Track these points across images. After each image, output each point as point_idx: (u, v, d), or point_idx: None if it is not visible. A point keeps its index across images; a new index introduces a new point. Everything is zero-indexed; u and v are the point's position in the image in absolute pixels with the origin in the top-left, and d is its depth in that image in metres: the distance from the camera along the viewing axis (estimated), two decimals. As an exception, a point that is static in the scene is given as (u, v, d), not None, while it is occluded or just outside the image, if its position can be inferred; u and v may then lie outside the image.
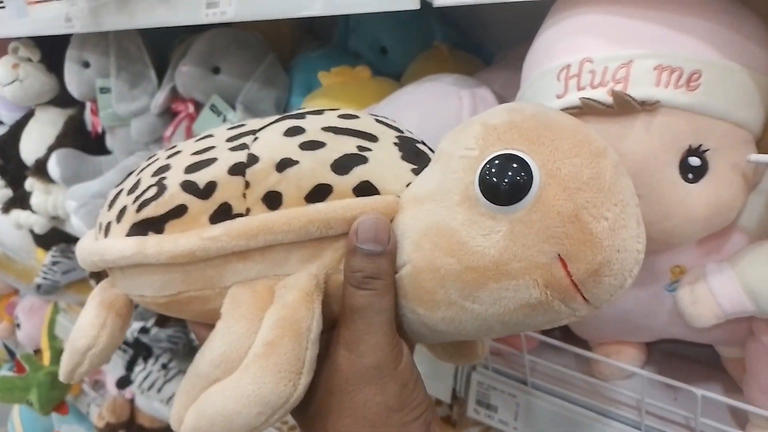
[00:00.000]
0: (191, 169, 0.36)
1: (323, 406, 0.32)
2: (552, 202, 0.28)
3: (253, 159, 0.35)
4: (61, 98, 1.16)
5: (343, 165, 0.33)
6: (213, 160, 0.36)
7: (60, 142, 1.11)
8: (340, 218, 0.32)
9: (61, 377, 0.41)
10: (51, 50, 1.11)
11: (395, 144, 0.36)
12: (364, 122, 0.38)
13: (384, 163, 0.34)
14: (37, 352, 1.71)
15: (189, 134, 0.91)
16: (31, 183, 1.14)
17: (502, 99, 0.58)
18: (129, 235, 0.36)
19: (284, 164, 0.34)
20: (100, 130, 1.08)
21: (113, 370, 1.32)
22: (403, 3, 0.47)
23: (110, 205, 0.40)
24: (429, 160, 0.36)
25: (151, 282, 0.36)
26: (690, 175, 0.40)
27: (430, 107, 0.56)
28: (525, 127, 0.30)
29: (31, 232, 1.28)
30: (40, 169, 1.10)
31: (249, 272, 0.34)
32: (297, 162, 0.34)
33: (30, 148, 1.17)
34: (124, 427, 1.34)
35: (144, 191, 0.37)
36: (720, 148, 0.40)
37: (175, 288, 0.35)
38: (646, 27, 0.39)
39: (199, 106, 0.91)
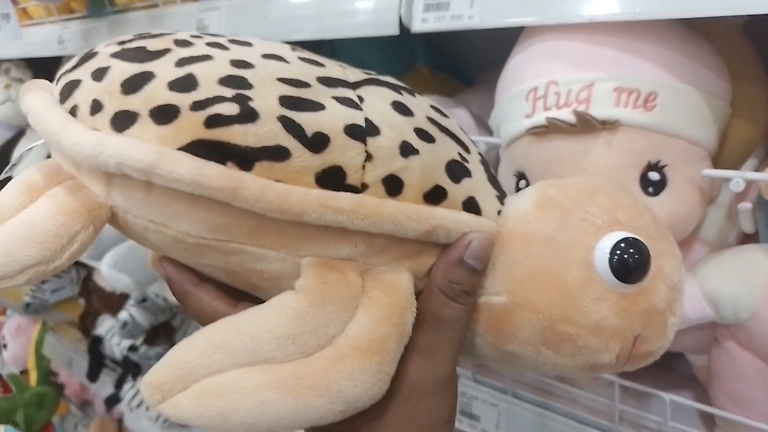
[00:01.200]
0: (290, 103, 0.29)
1: (379, 409, 0.30)
2: (655, 292, 0.32)
3: (373, 128, 0.30)
4: (53, 118, 1.18)
5: (454, 172, 0.32)
6: (319, 106, 0.30)
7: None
8: (460, 231, 0.31)
9: None
10: (42, 71, 1.13)
11: (480, 162, 0.35)
12: (455, 125, 0.36)
13: (481, 182, 0.34)
14: (24, 372, 1.70)
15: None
16: (21, 202, 1.15)
17: (478, 119, 0.61)
18: (188, 150, 0.27)
19: (407, 149, 0.30)
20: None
21: (102, 389, 1.32)
22: (384, 29, 0.50)
23: (125, 84, 0.29)
24: (500, 187, 0.36)
25: (200, 217, 0.29)
26: (650, 189, 0.43)
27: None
28: (646, 221, 0.33)
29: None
30: (30, 188, 1.11)
31: (340, 251, 0.30)
32: (417, 152, 0.31)
33: (20, 167, 1.18)
34: (112, 447, 1.33)
35: (212, 100, 0.28)
36: (677, 164, 0.43)
37: (229, 234, 0.29)
38: (606, 52, 0.43)
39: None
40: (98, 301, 1.22)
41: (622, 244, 0.31)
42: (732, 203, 0.49)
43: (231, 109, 0.28)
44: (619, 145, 0.42)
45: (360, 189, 0.29)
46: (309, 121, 0.29)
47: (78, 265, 1.38)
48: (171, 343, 1.22)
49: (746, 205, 0.45)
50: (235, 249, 0.30)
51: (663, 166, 0.43)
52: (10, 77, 1.13)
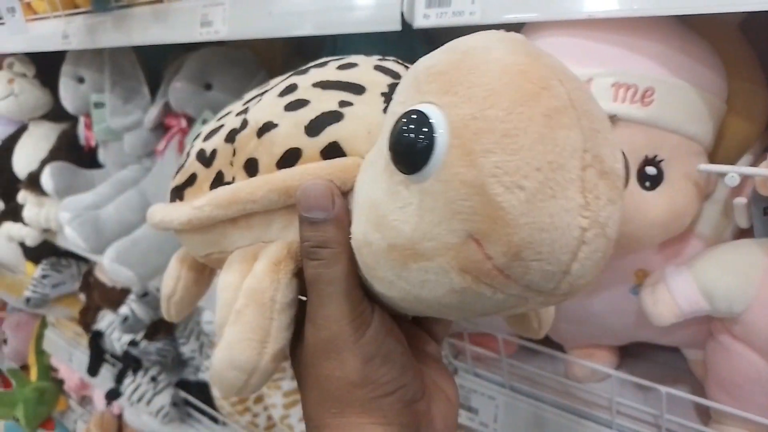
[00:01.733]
0: (208, 136, 0.38)
1: (300, 378, 0.33)
2: (455, 168, 0.22)
3: (243, 124, 0.35)
4: (55, 113, 1.19)
5: (316, 125, 0.32)
6: (221, 127, 0.37)
7: (53, 155, 1.13)
8: (299, 185, 0.30)
9: (165, 316, 0.47)
10: (45, 66, 1.14)
11: (383, 94, 0.33)
12: (360, 71, 0.35)
13: (360, 119, 0.31)
14: (24, 367, 1.71)
15: (181, 148, 0.94)
16: (23, 196, 1.15)
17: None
18: (170, 200, 0.40)
19: (265, 128, 0.33)
20: (93, 144, 1.10)
21: (102, 384, 1.33)
22: (386, 25, 0.51)
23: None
24: None
25: (188, 243, 0.39)
26: (647, 183, 0.44)
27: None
28: (445, 71, 0.24)
29: (21, 245, 1.29)
30: (33, 182, 1.12)
31: (244, 239, 0.34)
32: (276, 125, 0.33)
33: (23, 161, 1.19)
34: (112, 442, 1.34)
35: (184, 160, 0.40)
36: (673, 159, 0.44)
37: (204, 249, 0.37)
38: (605, 48, 0.43)
39: (191, 121, 0.94)
40: (99, 296, 1.23)
41: (397, 126, 0.24)
42: (727, 199, 0.50)
43: (183, 158, 0.40)
44: (617, 140, 0.43)
45: (232, 182, 0.34)
46: (209, 144, 0.37)
47: (79, 260, 1.38)
48: (171, 337, 1.23)
49: (741, 200, 0.46)
50: (217, 259, 0.37)
51: (660, 161, 0.43)
52: (14, 72, 1.14)
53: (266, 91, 0.37)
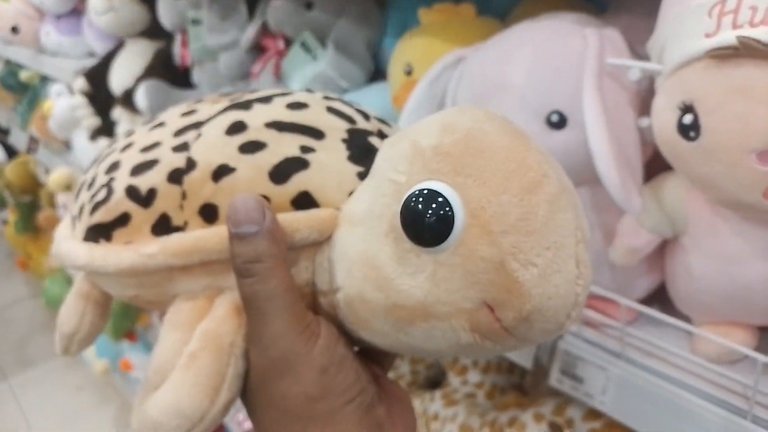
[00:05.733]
0: (136, 171, 0.34)
1: (250, 403, 0.31)
2: (475, 246, 0.26)
3: (190, 164, 0.33)
4: (152, 30, 1.18)
5: (281, 172, 0.31)
6: (155, 162, 0.34)
7: (148, 73, 1.12)
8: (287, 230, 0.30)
9: (57, 352, 0.44)
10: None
11: (344, 141, 0.33)
12: (314, 113, 0.34)
13: (327, 168, 0.32)
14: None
15: (277, 71, 0.89)
16: (118, 113, 1.16)
17: (630, 45, 0.52)
18: (85, 238, 0.35)
19: (221, 172, 0.32)
20: (188, 62, 1.08)
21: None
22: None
23: (76, 197, 0.38)
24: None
25: (110, 285, 0.36)
26: None
27: (548, 46, 0.51)
28: (453, 153, 0.27)
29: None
30: (127, 99, 1.12)
31: (194, 285, 0.33)
32: (234, 169, 0.32)
33: (119, 78, 1.19)
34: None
35: (97, 192, 0.35)
36: None
37: (131, 292, 0.35)
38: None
39: (289, 44, 0.89)
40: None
41: (412, 201, 0.27)
42: None
43: (102, 194, 0.35)
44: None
45: (183, 227, 0.32)
46: (144, 182, 0.33)
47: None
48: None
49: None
50: (146, 301, 0.35)
51: None
52: (114, -15, 1.12)
53: (200, 123, 0.35)
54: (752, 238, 0.47)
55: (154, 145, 0.35)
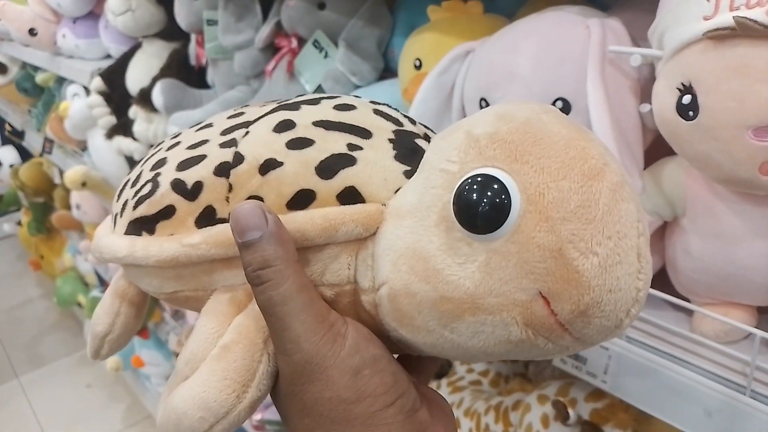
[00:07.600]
0: (183, 165, 0.34)
1: (285, 411, 0.31)
2: (532, 233, 0.25)
3: (238, 159, 0.33)
4: (168, 31, 1.21)
5: (328, 167, 0.31)
6: (203, 158, 0.34)
7: (164, 73, 1.15)
8: (319, 228, 0.30)
9: (88, 355, 0.43)
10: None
11: (390, 141, 0.33)
12: (361, 114, 0.35)
13: (374, 165, 0.31)
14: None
15: (290, 69, 0.92)
16: (134, 111, 1.19)
17: (631, 36, 0.55)
18: (126, 232, 0.35)
19: (268, 166, 0.32)
20: (204, 61, 1.11)
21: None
22: None
23: (118, 196, 0.38)
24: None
25: (149, 280, 0.36)
26: None
27: (552, 36, 0.54)
28: (510, 140, 0.27)
29: (128, 160, 1.35)
30: (144, 98, 1.15)
31: (236, 278, 0.32)
32: (281, 164, 0.32)
33: (135, 78, 1.22)
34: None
35: (142, 187, 0.36)
36: None
37: (170, 287, 0.35)
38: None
39: (302, 43, 0.92)
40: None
41: (466, 187, 0.26)
42: None
43: (147, 188, 0.35)
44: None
45: (227, 219, 0.31)
46: (191, 175, 0.34)
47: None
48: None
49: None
50: (184, 297, 0.35)
51: None
52: (132, -12, 1.16)
53: (248, 122, 0.36)
54: (750, 217, 0.49)
55: (202, 143, 0.36)
